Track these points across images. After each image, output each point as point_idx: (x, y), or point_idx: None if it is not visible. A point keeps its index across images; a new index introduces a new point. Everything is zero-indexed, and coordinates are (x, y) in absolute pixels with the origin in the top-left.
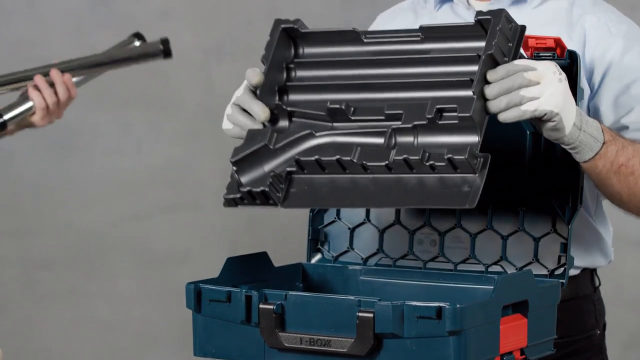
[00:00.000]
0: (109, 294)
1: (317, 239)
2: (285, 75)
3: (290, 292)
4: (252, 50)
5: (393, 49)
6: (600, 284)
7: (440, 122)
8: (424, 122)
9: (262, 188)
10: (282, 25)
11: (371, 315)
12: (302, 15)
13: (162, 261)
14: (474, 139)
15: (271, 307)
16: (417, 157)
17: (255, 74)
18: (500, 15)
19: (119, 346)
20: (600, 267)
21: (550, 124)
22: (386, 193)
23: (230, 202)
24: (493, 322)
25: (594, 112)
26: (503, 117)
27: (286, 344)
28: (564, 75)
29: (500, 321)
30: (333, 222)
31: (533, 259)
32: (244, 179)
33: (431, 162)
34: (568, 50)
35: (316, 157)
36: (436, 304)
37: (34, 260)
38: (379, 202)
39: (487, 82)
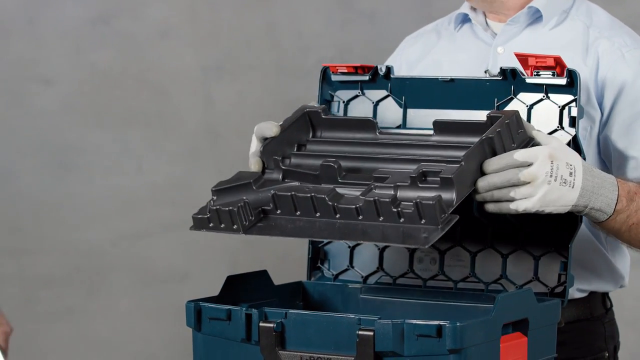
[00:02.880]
0: (108, 312)
1: (317, 257)
2: (295, 149)
3: (290, 310)
4: (252, 69)
5: (403, 136)
6: (612, 306)
7: (421, 184)
8: (406, 183)
9: (230, 208)
10: (307, 109)
11: (371, 333)
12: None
13: (162, 279)
14: (450, 196)
15: (271, 325)
16: (387, 200)
17: (272, 126)
18: (512, 115)
19: None
20: (609, 291)
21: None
22: (347, 233)
23: (196, 222)
24: (493, 341)
25: (604, 141)
26: (489, 209)
27: None
28: (560, 169)
29: (501, 339)
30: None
31: (533, 278)
32: (217, 205)
33: (400, 208)
34: (568, 69)
35: (292, 193)
36: (436, 323)
37: (34, 278)
38: (339, 237)
39: (482, 173)
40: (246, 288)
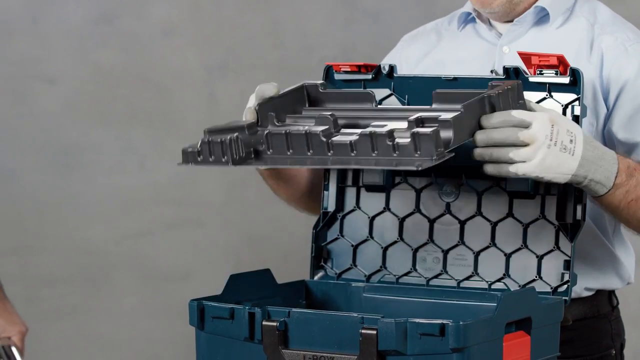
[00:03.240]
0: (112, 311)
1: (320, 256)
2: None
3: (294, 309)
4: (255, 68)
5: (402, 107)
6: (618, 304)
7: (417, 127)
8: (404, 126)
9: (222, 139)
10: (306, 83)
11: (374, 332)
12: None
13: (165, 278)
14: (447, 135)
15: (274, 324)
16: (383, 133)
17: (272, 87)
18: (514, 83)
19: None
20: (617, 289)
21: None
22: (339, 162)
23: (185, 156)
24: (496, 339)
25: (608, 134)
26: (488, 171)
27: None
28: (561, 134)
29: (504, 338)
30: (336, 239)
31: (536, 276)
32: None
33: (395, 141)
34: (571, 67)
35: (286, 130)
36: (439, 321)
37: (37, 277)
38: (331, 164)
39: (480, 127)
40: (249, 287)
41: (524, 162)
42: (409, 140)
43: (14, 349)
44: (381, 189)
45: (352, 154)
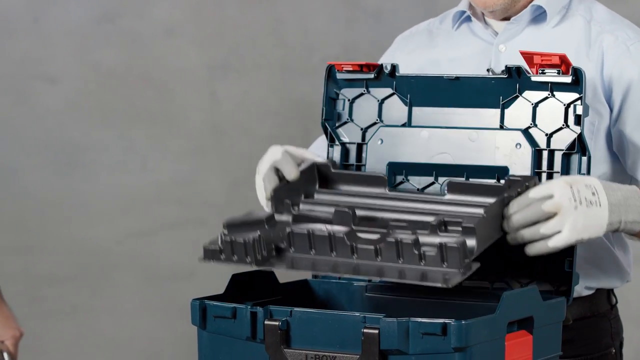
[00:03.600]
0: (113, 310)
1: None
2: (302, 198)
3: (296, 309)
4: (257, 68)
5: (414, 193)
6: (617, 302)
7: (441, 233)
8: (426, 231)
9: (244, 239)
10: (316, 163)
11: (376, 331)
12: (308, 31)
13: (167, 278)
14: (471, 244)
15: (276, 323)
16: (409, 242)
17: (293, 169)
18: (531, 179)
19: None
20: (616, 287)
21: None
22: (364, 271)
23: (207, 253)
24: (498, 339)
25: (619, 135)
26: (531, 253)
27: None
28: (582, 192)
29: (506, 337)
30: None
31: (538, 276)
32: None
33: (422, 250)
34: (573, 67)
35: (309, 230)
36: (441, 321)
37: (39, 276)
38: (354, 273)
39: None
40: (251, 286)
41: (559, 232)
42: (435, 251)
43: (5, 355)
44: None
45: (377, 260)
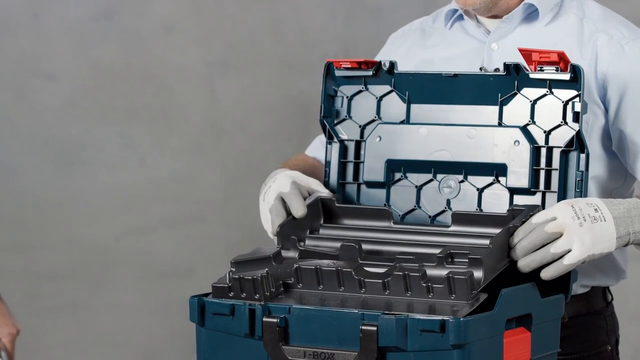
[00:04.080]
0: (112, 307)
1: None
2: (307, 233)
3: (294, 306)
4: (256, 64)
5: (419, 226)
6: (612, 299)
7: (447, 265)
8: (433, 263)
9: (252, 276)
10: (320, 197)
11: (375, 328)
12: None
13: (166, 274)
14: (478, 275)
15: (275, 320)
16: (417, 274)
17: (301, 207)
18: (535, 208)
19: (123, 359)
20: (612, 285)
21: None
22: (372, 305)
23: (216, 291)
24: (497, 336)
25: (618, 135)
26: (547, 276)
27: (290, 357)
28: (584, 209)
29: (504, 334)
30: None
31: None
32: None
33: (430, 283)
34: (572, 64)
35: (316, 266)
36: (440, 317)
37: (38, 273)
38: (362, 307)
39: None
40: None
41: (569, 251)
42: (443, 283)
43: (2, 353)
44: (381, 185)
45: (386, 293)
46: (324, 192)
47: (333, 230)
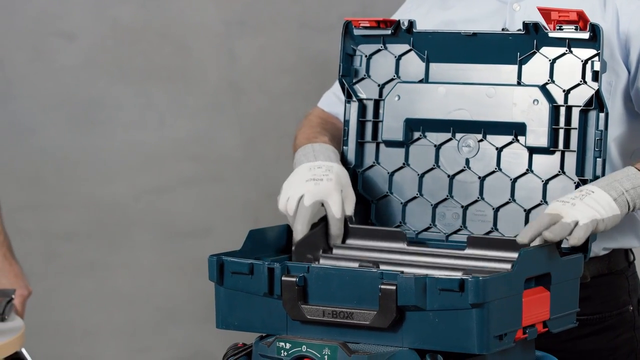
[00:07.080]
0: (130, 267)
1: None
2: (320, 252)
3: (313, 265)
4: (274, 24)
5: (433, 249)
6: (634, 259)
7: None
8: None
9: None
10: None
11: (394, 287)
12: None
13: (185, 234)
14: None
15: (294, 279)
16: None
17: (305, 229)
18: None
19: (141, 319)
20: (634, 247)
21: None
22: None
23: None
24: (516, 295)
25: (639, 95)
26: (574, 241)
27: (309, 317)
28: (569, 195)
29: (523, 294)
30: (356, 194)
31: None
32: None
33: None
34: (591, 23)
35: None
36: (459, 276)
37: (56, 233)
38: None
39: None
40: (268, 242)
41: (576, 221)
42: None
43: (12, 313)
44: (400, 145)
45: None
46: (348, 212)
47: (346, 251)
